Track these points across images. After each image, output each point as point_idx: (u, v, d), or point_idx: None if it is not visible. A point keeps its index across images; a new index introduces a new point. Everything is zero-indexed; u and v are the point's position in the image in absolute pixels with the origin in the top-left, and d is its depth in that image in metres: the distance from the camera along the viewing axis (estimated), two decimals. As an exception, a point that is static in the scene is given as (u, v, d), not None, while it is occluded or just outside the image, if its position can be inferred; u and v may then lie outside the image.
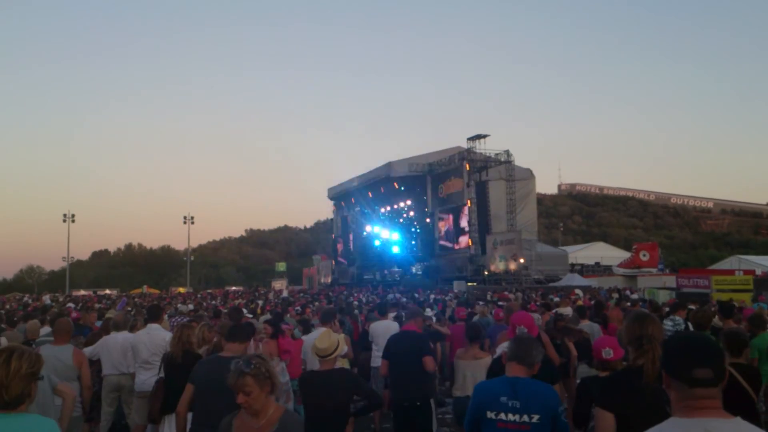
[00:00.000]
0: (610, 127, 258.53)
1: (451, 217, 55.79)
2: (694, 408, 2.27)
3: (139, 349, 7.95)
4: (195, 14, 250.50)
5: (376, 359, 9.59)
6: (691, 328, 9.11)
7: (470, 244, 52.12)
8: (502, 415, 3.75)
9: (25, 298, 44.95)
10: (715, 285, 30.26)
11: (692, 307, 13.47)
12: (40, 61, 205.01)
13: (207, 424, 5.16)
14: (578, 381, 5.52)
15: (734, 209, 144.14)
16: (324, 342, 5.39)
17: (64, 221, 72.71)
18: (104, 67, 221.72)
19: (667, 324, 9.38)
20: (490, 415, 3.77)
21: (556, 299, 20.09)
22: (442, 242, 57.25)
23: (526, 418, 3.74)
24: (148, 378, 7.61)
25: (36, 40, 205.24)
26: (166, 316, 12.20)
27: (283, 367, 8.74)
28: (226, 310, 15.65)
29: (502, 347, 6.63)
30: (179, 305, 23.35)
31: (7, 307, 28.51)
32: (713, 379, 2.27)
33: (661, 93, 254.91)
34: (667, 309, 14.62)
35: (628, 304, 16.98)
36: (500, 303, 18.82)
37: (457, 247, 54.81)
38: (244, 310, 12.89)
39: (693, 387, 2.27)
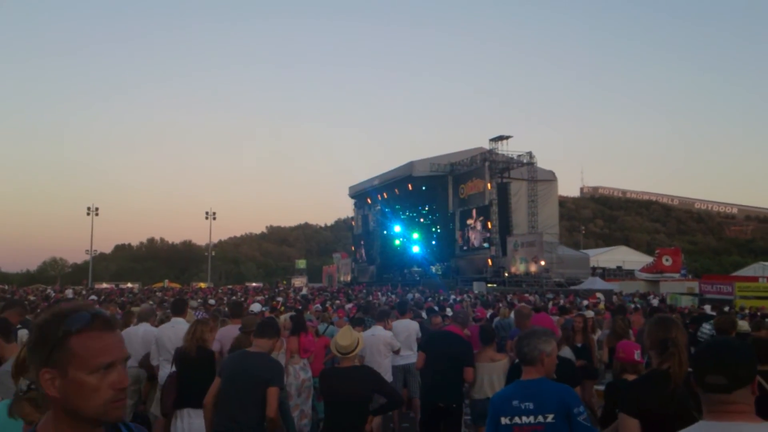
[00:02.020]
0: (634, 130, 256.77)
1: (471, 217, 55.58)
2: (722, 412, 2.27)
3: (164, 343, 8.01)
4: (220, 9, 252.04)
5: (398, 358, 9.59)
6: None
7: (491, 245, 51.92)
8: (516, 419, 3.72)
9: (48, 290, 45.51)
10: (739, 291, 29.95)
11: (712, 312, 13.39)
12: (65, 56, 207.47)
13: (229, 418, 5.22)
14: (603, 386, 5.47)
15: (759, 216, 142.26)
16: (346, 339, 5.42)
17: (88, 215, 73.35)
18: (129, 63, 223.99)
19: (705, 327, 9.29)
20: (505, 420, 3.75)
21: (585, 302, 20.00)
22: (462, 243, 57.07)
23: (540, 418, 3.70)
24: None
25: (63, 35, 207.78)
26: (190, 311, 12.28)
27: (304, 364, 8.78)
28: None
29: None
30: (200, 300, 23.46)
31: (31, 298, 28.92)
32: (726, 385, 2.27)
33: (687, 97, 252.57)
34: (694, 314, 14.50)
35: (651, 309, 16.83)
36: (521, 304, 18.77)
37: (477, 247, 54.61)
38: (260, 306, 12.94)
39: (706, 392, 2.30)
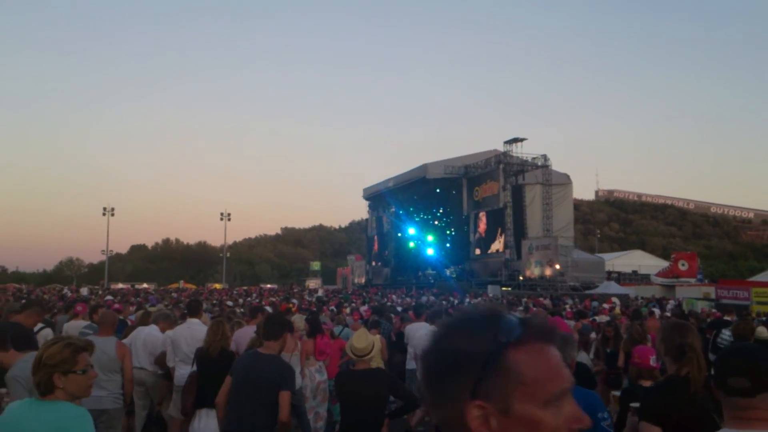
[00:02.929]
0: (650, 133, 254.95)
1: (486, 220, 55.49)
2: (742, 419, 2.25)
3: (180, 344, 8.06)
4: (240, 8, 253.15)
5: (411, 361, 9.60)
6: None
7: (505, 248, 51.79)
8: None
9: (65, 290, 45.86)
10: (755, 297, 29.66)
11: (728, 318, 13.28)
12: (80, 56, 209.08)
13: (238, 419, 5.25)
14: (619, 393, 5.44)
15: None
16: (362, 342, 5.42)
17: (104, 215, 74.04)
18: (145, 63, 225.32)
19: (725, 333, 9.25)
20: None
21: (606, 306, 19.86)
22: (476, 246, 56.96)
23: None
24: (187, 372, 7.74)
25: (83, 35, 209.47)
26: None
27: (320, 366, 8.81)
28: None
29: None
30: (215, 302, 23.56)
31: (46, 297, 29.14)
32: (749, 388, 2.24)
33: (703, 100, 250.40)
34: (709, 320, 14.40)
35: (667, 314, 16.75)
36: (535, 309, 18.73)
37: (492, 251, 54.50)
38: (268, 308, 13.03)
39: (730, 396, 2.27)
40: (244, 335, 8.13)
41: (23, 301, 9.16)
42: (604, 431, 3.71)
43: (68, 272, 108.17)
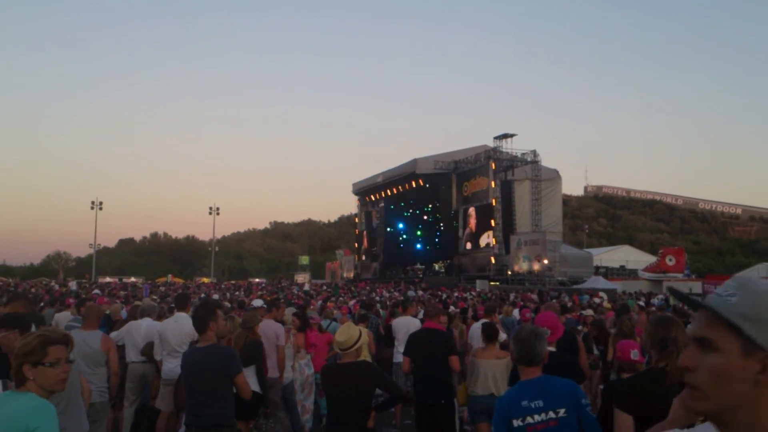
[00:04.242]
0: (638, 129, 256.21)
1: (475, 215, 55.58)
2: None
3: (167, 337, 8.05)
4: (224, 4, 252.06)
5: (399, 355, 9.62)
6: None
7: (494, 243, 51.92)
8: (529, 419, 3.72)
9: (52, 284, 45.62)
10: (742, 292, 29.82)
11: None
12: (67, 50, 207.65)
13: (194, 413, 5.42)
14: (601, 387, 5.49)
15: (763, 216, 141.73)
16: (342, 335, 5.41)
17: (92, 209, 73.58)
18: (132, 57, 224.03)
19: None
20: (517, 423, 3.74)
21: (597, 300, 19.89)
22: (465, 240, 57.06)
23: (552, 414, 3.71)
24: (175, 366, 7.70)
25: (67, 30, 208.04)
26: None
27: (309, 360, 8.83)
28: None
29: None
30: (203, 296, 23.51)
31: (33, 290, 28.98)
32: None
33: (692, 96, 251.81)
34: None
35: (653, 308, 16.83)
36: (522, 304, 18.78)
37: (480, 245, 54.61)
38: (261, 302, 13.01)
39: None
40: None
41: (6, 296, 9.12)
42: (590, 415, 3.78)
43: (56, 266, 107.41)
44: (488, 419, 7.14)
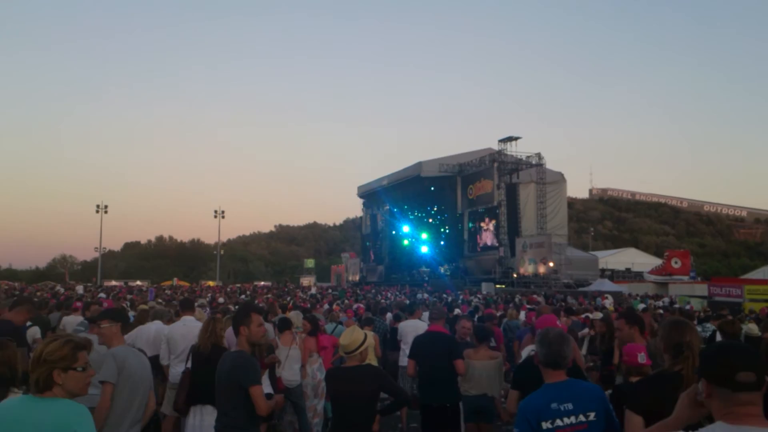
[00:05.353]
0: (643, 132, 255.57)
1: (480, 218, 55.55)
2: (740, 414, 2.26)
3: (176, 341, 8.01)
4: (227, 6, 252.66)
5: (405, 358, 9.59)
6: (719, 337, 9.02)
7: (499, 246, 51.89)
8: (558, 421, 3.68)
9: (57, 287, 45.71)
10: (748, 294, 29.81)
11: (724, 313, 13.32)
12: (70, 53, 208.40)
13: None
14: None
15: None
16: (345, 338, 5.39)
17: (97, 212, 73.74)
18: (138, 62, 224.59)
19: (707, 326, 9.31)
20: (546, 425, 3.69)
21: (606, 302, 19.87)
22: (470, 243, 57.02)
23: (582, 417, 3.69)
24: (182, 370, 7.71)
25: (73, 33, 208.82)
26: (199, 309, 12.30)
27: (320, 364, 8.79)
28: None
29: (528, 350, 6.64)
30: (208, 298, 23.51)
31: (39, 294, 28.99)
32: (756, 382, 2.28)
33: (696, 99, 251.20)
34: (701, 315, 14.45)
35: (660, 311, 16.77)
36: (529, 307, 18.74)
37: (486, 248, 54.56)
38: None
39: (737, 391, 2.27)
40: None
41: (11, 300, 9.13)
42: (615, 421, 3.77)
43: (61, 269, 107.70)
44: (476, 418, 7.30)
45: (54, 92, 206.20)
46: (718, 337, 9.10)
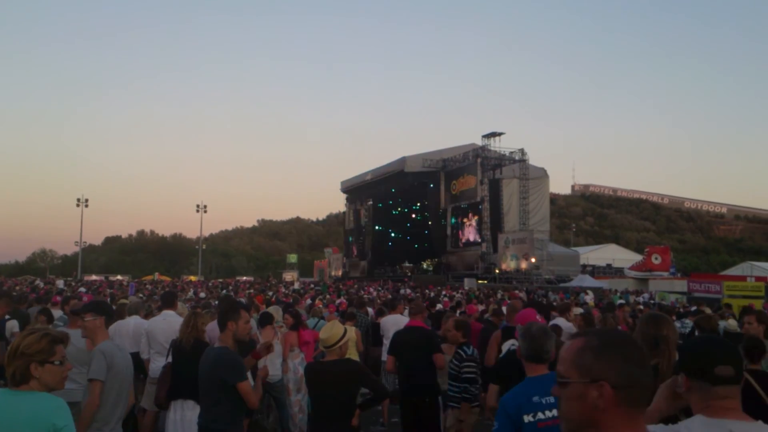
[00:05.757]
0: (626, 129, 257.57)
1: (463, 213, 55.66)
2: (718, 408, 2.27)
3: (155, 335, 7.97)
4: (217, 2, 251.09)
5: (385, 353, 9.60)
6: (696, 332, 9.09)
7: (481, 241, 52.04)
8: (540, 414, 3.69)
9: (37, 281, 45.26)
10: (727, 291, 30.08)
11: (703, 309, 13.43)
12: (53, 47, 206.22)
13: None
14: None
15: (747, 215, 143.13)
16: (326, 333, 5.37)
17: (78, 206, 73.14)
18: (120, 55, 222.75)
19: (686, 321, 9.38)
20: (528, 418, 3.70)
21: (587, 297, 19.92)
22: (453, 239, 57.13)
23: None
24: (162, 364, 7.66)
25: (55, 28, 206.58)
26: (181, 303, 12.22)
27: (302, 359, 8.76)
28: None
29: (508, 344, 6.66)
30: (191, 293, 23.40)
31: (18, 288, 28.68)
32: (735, 376, 2.30)
33: (678, 96, 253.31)
34: (680, 310, 14.58)
35: (640, 306, 16.91)
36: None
37: (468, 244, 54.70)
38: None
39: (716, 385, 2.28)
40: (216, 327, 8.07)
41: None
42: None
43: (41, 263, 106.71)
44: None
45: (36, 86, 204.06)
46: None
